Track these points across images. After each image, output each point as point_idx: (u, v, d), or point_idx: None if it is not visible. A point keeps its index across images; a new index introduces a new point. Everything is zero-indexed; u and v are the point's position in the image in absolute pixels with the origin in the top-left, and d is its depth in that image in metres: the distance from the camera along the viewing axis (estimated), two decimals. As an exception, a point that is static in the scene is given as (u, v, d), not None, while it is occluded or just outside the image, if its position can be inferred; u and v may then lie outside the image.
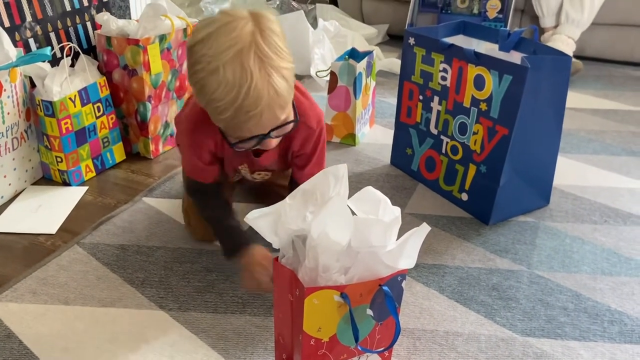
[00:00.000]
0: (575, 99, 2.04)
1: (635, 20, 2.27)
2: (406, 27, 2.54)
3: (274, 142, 0.96)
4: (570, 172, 1.57)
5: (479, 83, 1.32)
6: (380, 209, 0.85)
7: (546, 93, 1.28)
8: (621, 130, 1.83)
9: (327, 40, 2.32)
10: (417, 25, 2.54)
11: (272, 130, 0.91)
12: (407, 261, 0.83)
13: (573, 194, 1.47)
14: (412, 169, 1.58)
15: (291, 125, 0.95)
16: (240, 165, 1.14)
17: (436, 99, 1.46)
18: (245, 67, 0.83)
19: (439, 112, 1.46)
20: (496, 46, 1.46)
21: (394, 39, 2.77)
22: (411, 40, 1.50)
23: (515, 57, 1.38)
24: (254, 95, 0.84)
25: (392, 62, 2.34)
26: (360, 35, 2.54)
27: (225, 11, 0.89)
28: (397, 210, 0.85)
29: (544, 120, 1.32)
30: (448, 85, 1.41)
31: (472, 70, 1.33)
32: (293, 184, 1.16)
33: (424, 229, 0.83)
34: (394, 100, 1.94)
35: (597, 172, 1.59)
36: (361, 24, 2.75)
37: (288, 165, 1.17)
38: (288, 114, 0.92)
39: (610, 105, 2.02)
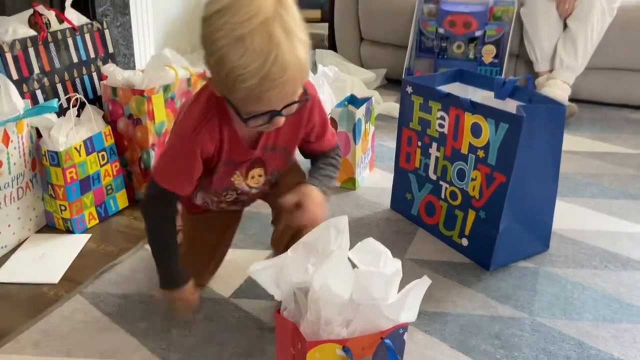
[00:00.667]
0: (571, 141, 2.07)
1: (628, 64, 2.32)
2: (404, 71, 2.60)
3: (281, 122, 0.95)
4: (569, 217, 1.58)
5: (476, 131, 1.35)
6: (381, 261, 0.86)
7: (542, 141, 1.30)
8: (619, 173, 1.86)
9: (326, 86, 2.36)
10: (414, 69, 2.60)
11: (285, 107, 0.92)
12: (409, 314, 0.84)
13: (572, 239, 1.48)
14: (412, 213, 1.59)
15: (304, 103, 0.96)
16: (234, 172, 1.10)
17: (434, 145, 1.49)
18: (272, 35, 0.83)
19: (437, 158, 1.49)
20: (492, 94, 1.50)
21: (392, 82, 2.83)
22: (409, 89, 1.53)
23: (511, 105, 1.41)
24: (280, 63, 0.84)
25: (390, 106, 2.38)
26: (359, 79, 2.59)
27: None
28: (397, 263, 0.86)
29: (541, 167, 1.34)
30: (446, 132, 1.44)
31: (469, 119, 1.36)
32: (313, 156, 1.16)
33: (425, 282, 0.83)
34: (393, 144, 1.96)
35: (596, 216, 1.60)
36: (360, 68, 2.81)
37: (288, 154, 1.14)
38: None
39: (607, 148, 2.05)
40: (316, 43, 3.13)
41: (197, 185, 1.10)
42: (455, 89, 1.56)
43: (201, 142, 1.01)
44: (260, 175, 1.12)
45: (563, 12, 2.19)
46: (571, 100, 2.29)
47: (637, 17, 2.25)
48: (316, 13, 3.50)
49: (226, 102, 0.95)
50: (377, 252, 0.87)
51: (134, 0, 2.25)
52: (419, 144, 1.54)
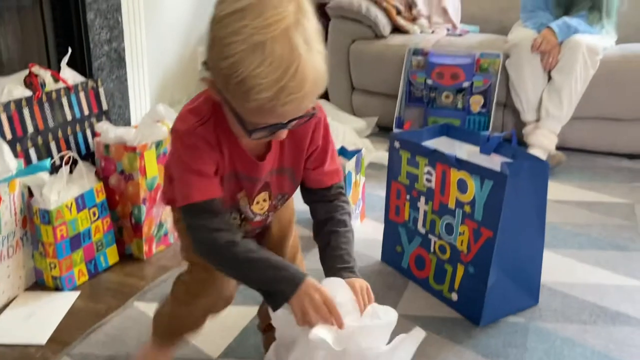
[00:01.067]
0: (559, 190, 2.09)
1: (613, 113, 2.38)
2: (394, 120, 2.64)
3: (284, 135, 0.90)
4: (557, 269, 1.59)
5: (462, 187, 1.37)
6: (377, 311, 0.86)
7: (527, 196, 1.33)
8: (607, 223, 1.87)
9: (318, 135, 2.40)
10: (405, 118, 2.65)
11: (291, 120, 0.85)
12: None
13: (562, 292, 1.49)
14: (402, 266, 1.60)
15: (312, 117, 0.89)
16: (240, 189, 0.98)
17: (422, 199, 1.51)
18: (294, 45, 0.77)
19: (425, 212, 1.50)
20: (477, 149, 1.53)
21: (383, 130, 2.87)
22: (396, 144, 1.56)
23: (496, 160, 1.44)
24: (300, 76, 0.78)
25: (381, 155, 2.42)
26: (351, 128, 2.64)
27: None
28: (393, 313, 0.85)
29: (527, 222, 1.36)
30: (433, 187, 1.46)
31: (455, 174, 1.39)
32: (312, 196, 1.03)
33: (419, 334, 0.82)
34: (383, 193, 1.98)
35: (584, 268, 1.61)
36: (351, 117, 2.86)
37: (294, 178, 1.03)
38: None
39: (595, 197, 2.08)
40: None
41: None
42: (442, 143, 1.60)
43: (203, 135, 0.91)
44: (264, 200, 1.03)
45: (547, 64, 2.25)
46: (559, 148, 2.33)
47: (618, 69, 2.31)
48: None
49: (227, 109, 0.87)
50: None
51: (129, 53, 2.30)
52: (408, 197, 1.56)
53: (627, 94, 2.32)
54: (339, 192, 1.06)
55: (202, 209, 0.91)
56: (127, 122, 2.27)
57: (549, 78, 2.29)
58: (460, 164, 1.37)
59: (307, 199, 1.05)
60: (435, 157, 1.44)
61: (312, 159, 1.02)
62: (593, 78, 2.24)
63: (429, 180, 1.48)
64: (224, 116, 0.91)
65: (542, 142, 2.24)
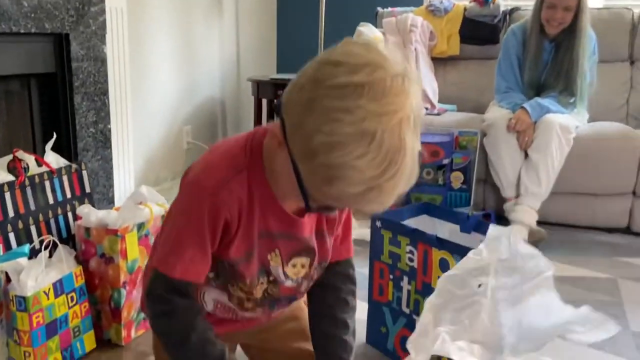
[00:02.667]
0: (543, 266, 2.10)
1: (590, 189, 2.44)
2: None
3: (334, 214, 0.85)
4: (544, 348, 1.57)
5: (444, 266, 1.38)
6: None
7: (508, 275, 1.33)
8: (590, 299, 1.87)
9: (302, 213, 2.42)
10: (388, 194, 2.68)
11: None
12: None
13: (549, 373, 1.46)
14: (387, 348, 1.57)
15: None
16: (272, 249, 0.87)
17: (405, 279, 1.51)
18: (403, 142, 0.68)
19: (409, 291, 1.50)
20: (458, 227, 1.55)
21: (367, 206, 2.90)
22: (378, 223, 1.58)
23: (477, 238, 1.46)
24: (395, 180, 0.69)
25: (364, 233, 2.42)
26: (335, 205, 2.66)
27: (375, 50, 0.70)
28: None
29: (510, 301, 1.36)
30: (415, 266, 1.47)
31: (437, 254, 1.40)
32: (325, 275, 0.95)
33: None
34: (367, 269, 1.97)
35: (570, 347, 1.58)
36: (335, 193, 2.89)
37: (325, 243, 0.94)
38: None
39: (577, 272, 2.09)
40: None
41: (211, 279, 0.88)
42: (422, 222, 1.62)
43: (227, 204, 0.79)
44: (303, 266, 0.91)
45: (522, 143, 2.32)
46: (540, 222, 2.36)
47: (591, 147, 2.40)
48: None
49: (292, 173, 0.74)
50: None
51: (115, 134, 2.34)
52: (391, 277, 1.55)
53: (601, 170, 2.39)
54: (349, 272, 0.99)
55: (176, 287, 0.82)
56: (111, 202, 2.27)
57: (526, 155, 2.36)
58: (442, 243, 1.38)
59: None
60: (417, 237, 1.45)
61: (337, 232, 0.94)
62: (568, 155, 2.31)
63: (411, 260, 1.48)
64: (261, 166, 0.81)
65: (523, 219, 2.27)
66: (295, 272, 0.91)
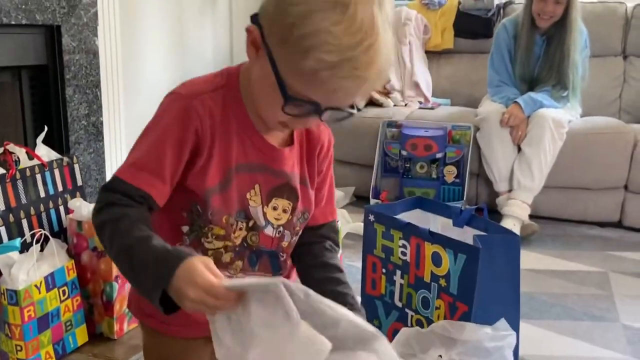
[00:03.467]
0: (534, 260, 2.11)
1: (582, 183, 2.45)
2: (371, 190, 2.68)
3: (311, 124, 0.81)
4: (535, 341, 1.58)
5: (437, 260, 1.38)
6: None
7: (500, 269, 1.34)
8: (582, 293, 1.89)
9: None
10: (381, 188, 2.68)
11: (331, 108, 0.75)
12: None
13: (540, 365, 1.47)
14: (380, 341, 1.57)
15: (348, 116, 0.78)
16: (252, 184, 0.83)
17: (398, 272, 1.51)
18: (375, 21, 0.70)
19: (402, 285, 1.50)
20: (451, 221, 1.55)
21: (360, 199, 2.90)
22: (371, 217, 1.58)
23: (469, 232, 1.46)
24: (372, 54, 0.69)
25: (358, 226, 2.43)
26: (328, 199, 2.66)
27: None
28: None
29: (502, 294, 1.36)
30: (408, 260, 1.47)
31: (429, 248, 1.40)
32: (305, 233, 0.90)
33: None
34: (360, 264, 1.98)
35: (562, 340, 1.60)
36: (329, 187, 2.89)
37: (307, 191, 0.89)
38: None
39: (569, 266, 2.10)
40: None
41: (185, 235, 0.83)
42: (415, 216, 1.61)
43: (199, 113, 0.77)
44: (284, 210, 0.87)
45: (516, 137, 2.33)
46: (531, 217, 2.37)
47: (584, 141, 2.41)
48: (286, 134, 3.64)
49: (264, 70, 0.74)
50: None
51: (107, 126, 2.33)
52: (384, 270, 1.55)
53: (594, 164, 2.41)
54: (332, 236, 0.93)
55: (126, 191, 0.75)
56: (103, 195, 2.26)
57: (519, 149, 2.36)
58: (434, 237, 1.39)
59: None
60: (409, 231, 1.46)
61: (320, 187, 0.91)
62: (561, 149, 2.32)
63: (404, 254, 1.48)
64: (237, 87, 0.80)
65: (516, 212, 2.28)
66: (276, 216, 0.87)
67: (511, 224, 2.25)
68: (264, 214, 0.85)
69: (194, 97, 0.79)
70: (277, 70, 0.73)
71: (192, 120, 0.77)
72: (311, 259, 0.91)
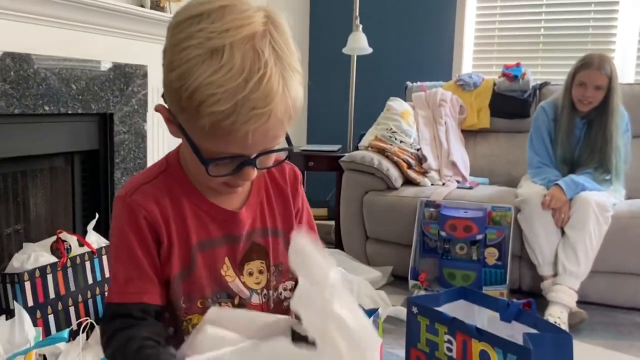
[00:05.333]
0: (585, 352, 2.02)
1: (630, 268, 2.36)
2: (409, 270, 2.64)
3: (252, 175, 0.75)
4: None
5: (485, 359, 1.34)
6: None
7: (552, 370, 1.28)
8: (637, 389, 1.78)
9: (334, 288, 2.39)
10: (419, 268, 2.64)
11: (261, 154, 0.72)
12: None
13: None
14: None
15: (283, 155, 0.77)
16: (221, 259, 0.79)
17: (444, 368, 1.46)
18: (259, 53, 0.66)
19: (447, 382, 1.45)
20: (497, 314, 1.51)
21: (398, 279, 2.86)
22: (414, 309, 1.55)
23: (517, 328, 1.41)
24: (266, 88, 0.66)
25: (398, 310, 2.38)
26: (365, 279, 2.63)
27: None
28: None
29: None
30: (454, 357, 1.42)
31: (477, 345, 1.36)
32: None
33: None
34: (403, 353, 1.92)
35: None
36: (366, 267, 2.87)
37: (278, 242, 0.86)
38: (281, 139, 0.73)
39: (621, 358, 2.00)
40: (322, 236, 3.23)
41: (175, 319, 0.79)
42: (460, 307, 1.58)
43: (142, 204, 0.76)
44: (261, 272, 0.83)
45: (559, 220, 2.29)
46: (580, 302, 2.28)
47: (630, 225, 2.34)
48: (323, 211, 3.67)
49: (185, 141, 0.73)
50: None
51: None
52: (428, 365, 1.51)
53: (642, 249, 2.33)
54: None
55: (117, 313, 0.75)
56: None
57: (562, 233, 2.31)
58: (482, 334, 1.35)
59: None
60: (455, 326, 1.42)
61: (300, 223, 0.88)
62: (607, 234, 2.26)
63: (449, 350, 1.44)
64: (178, 167, 0.79)
65: (562, 299, 2.20)
66: (255, 280, 0.83)
67: (558, 311, 2.17)
68: (244, 284, 0.83)
69: (132, 192, 0.78)
70: (188, 137, 0.71)
71: (138, 214, 0.76)
72: None
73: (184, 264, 0.78)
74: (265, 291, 0.84)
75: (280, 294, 0.87)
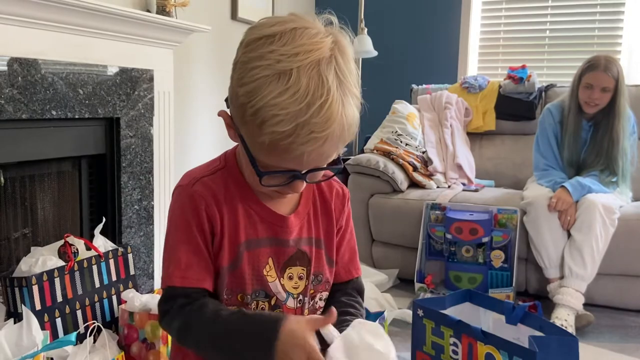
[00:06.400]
0: (591, 355, 2.01)
1: (638, 271, 2.35)
2: (415, 273, 2.64)
3: (302, 187, 0.80)
4: None
5: (491, 361, 1.33)
6: None
7: (559, 373, 1.28)
8: (645, 393, 1.77)
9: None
10: (425, 271, 2.64)
11: (311, 170, 0.77)
12: None
13: None
14: None
15: (336, 173, 0.82)
16: (266, 259, 0.84)
17: (450, 372, 1.46)
18: (324, 79, 0.71)
19: (453, 385, 1.45)
20: (503, 317, 1.51)
21: (404, 282, 2.85)
22: (420, 312, 1.55)
23: (523, 331, 1.41)
24: (326, 114, 0.70)
25: (404, 313, 2.38)
26: (371, 282, 2.63)
27: (300, 16, 0.75)
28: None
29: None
30: (460, 359, 1.42)
31: (482, 349, 1.36)
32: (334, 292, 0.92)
33: None
34: (409, 356, 1.92)
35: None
36: (372, 269, 2.86)
37: (329, 257, 0.91)
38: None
39: (629, 361, 1.99)
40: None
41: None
42: (466, 310, 1.58)
43: (202, 195, 0.81)
44: (300, 278, 0.87)
45: (565, 223, 2.28)
46: (586, 304, 2.27)
47: (638, 227, 2.33)
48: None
49: (242, 148, 0.78)
50: None
51: (158, 210, 2.40)
52: (434, 368, 1.51)
53: (649, 250, 2.32)
54: (357, 292, 0.94)
55: (179, 295, 0.79)
56: (150, 277, 2.30)
57: (569, 235, 2.31)
58: (487, 337, 1.35)
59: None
60: (461, 329, 1.42)
61: (341, 240, 0.92)
62: (614, 236, 2.25)
63: (455, 352, 1.44)
64: (236, 166, 0.83)
65: (569, 302, 2.19)
66: (293, 285, 0.88)
67: (565, 314, 2.16)
68: (282, 286, 0.87)
69: (194, 183, 0.83)
70: (247, 147, 0.76)
71: (199, 204, 0.81)
72: (336, 303, 0.91)
73: (231, 258, 0.83)
74: (300, 297, 0.88)
75: (316, 302, 0.91)
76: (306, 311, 0.90)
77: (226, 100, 0.80)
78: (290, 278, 0.87)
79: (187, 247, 0.81)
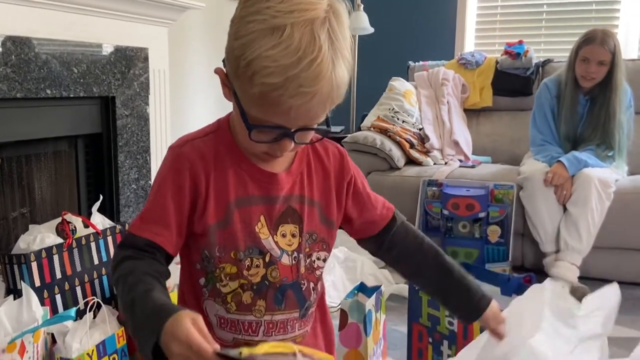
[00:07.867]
0: (587, 325, 2.03)
1: (633, 244, 2.37)
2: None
3: (289, 147, 0.81)
4: None
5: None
6: None
7: (553, 343, 1.30)
8: (639, 362, 1.79)
9: (337, 267, 2.42)
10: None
11: (299, 129, 0.78)
12: None
13: None
14: (428, 413, 1.53)
15: (322, 136, 0.84)
16: (258, 216, 0.85)
17: (445, 343, 1.48)
18: (316, 37, 0.73)
19: (449, 356, 1.47)
20: (498, 289, 1.53)
21: (402, 258, 2.87)
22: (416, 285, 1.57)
23: (518, 302, 1.43)
24: (315, 70, 0.73)
25: (401, 288, 2.40)
26: (368, 259, 2.65)
27: None
28: None
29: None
30: (456, 330, 1.45)
31: (478, 319, 1.37)
32: (376, 243, 0.97)
33: None
34: (405, 329, 1.95)
35: None
36: (370, 246, 2.88)
37: (327, 220, 0.91)
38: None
39: (623, 332, 2.01)
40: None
41: (203, 287, 0.86)
42: (462, 283, 1.59)
43: (188, 156, 0.83)
44: (293, 235, 0.88)
45: (561, 197, 2.29)
46: (581, 278, 2.30)
47: (632, 200, 2.34)
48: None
49: (235, 105, 0.81)
50: None
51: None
52: (430, 340, 1.53)
53: (645, 224, 2.33)
54: (402, 223, 0.99)
55: (136, 244, 0.80)
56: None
57: (565, 209, 2.32)
58: (482, 308, 1.36)
59: (371, 247, 1.00)
60: (456, 300, 1.44)
61: (352, 204, 0.93)
62: (609, 209, 2.26)
63: (451, 323, 1.46)
64: (227, 130, 0.86)
65: (564, 275, 2.22)
66: (287, 242, 0.88)
67: (560, 287, 2.18)
68: (276, 243, 0.88)
69: (184, 144, 0.86)
70: (239, 102, 0.79)
71: (183, 164, 0.83)
72: (402, 250, 0.97)
73: (220, 216, 0.85)
74: (295, 254, 0.89)
75: (314, 262, 0.92)
76: (302, 268, 0.90)
77: (223, 60, 0.82)
78: (284, 235, 0.88)
79: (154, 203, 0.84)
